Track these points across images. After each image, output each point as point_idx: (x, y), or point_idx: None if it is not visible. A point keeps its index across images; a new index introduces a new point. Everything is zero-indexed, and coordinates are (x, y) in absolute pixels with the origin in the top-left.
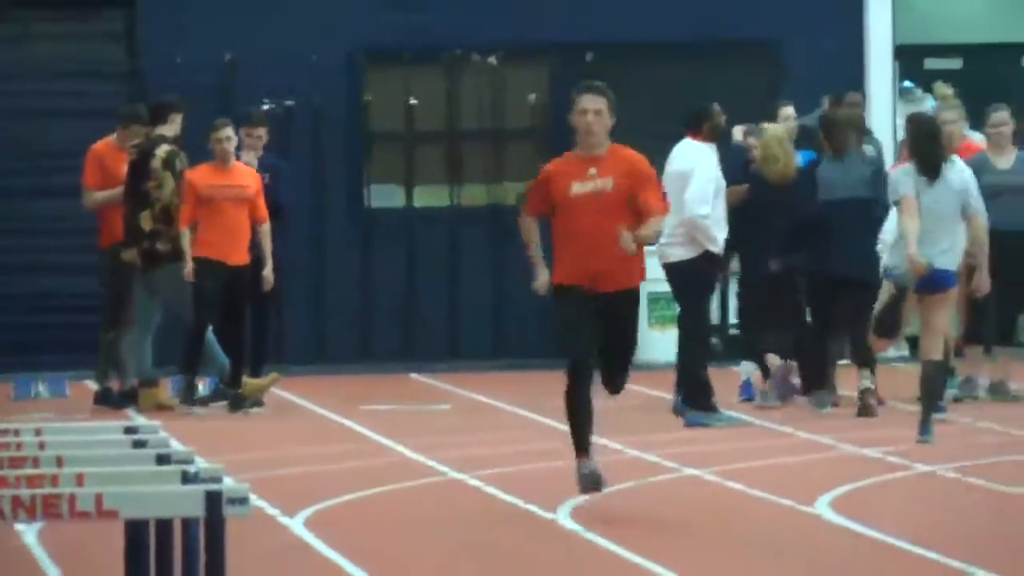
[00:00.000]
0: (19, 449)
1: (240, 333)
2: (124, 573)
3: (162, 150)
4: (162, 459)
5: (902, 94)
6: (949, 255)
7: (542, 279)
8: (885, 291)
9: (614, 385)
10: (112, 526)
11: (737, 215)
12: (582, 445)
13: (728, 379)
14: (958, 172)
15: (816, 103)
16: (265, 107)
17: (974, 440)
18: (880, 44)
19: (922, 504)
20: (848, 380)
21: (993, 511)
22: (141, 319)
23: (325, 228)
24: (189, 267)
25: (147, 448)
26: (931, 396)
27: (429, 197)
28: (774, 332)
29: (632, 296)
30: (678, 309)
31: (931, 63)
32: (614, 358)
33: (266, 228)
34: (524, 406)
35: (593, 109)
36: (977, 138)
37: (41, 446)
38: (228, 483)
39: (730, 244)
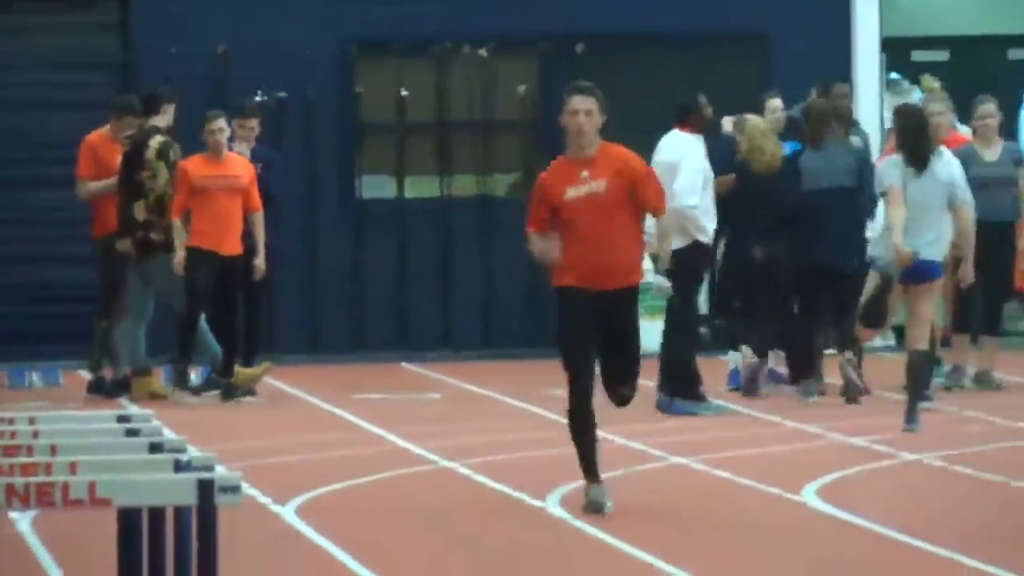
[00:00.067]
0: (13, 438)
1: (233, 322)
2: (117, 561)
3: (156, 141)
4: (155, 448)
5: (889, 86)
6: (935, 246)
7: (555, 252)
8: (871, 281)
9: (619, 395)
10: (105, 514)
11: (723, 205)
12: (590, 470)
13: (716, 368)
14: (945, 164)
15: (804, 95)
16: (257, 99)
17: (960, 429)
18: (867, 36)
19: (908, 492)
20: (835, 369)
21: (979, 499)
22: (135, 308)
23: (317, 218)
24: (179, 258)
25: (140, 437)
26: (917, 385)
27: (420, 188)
28: (756, 322)
29: (632, 293)
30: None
31: (918, 55)
32: (617, 363)
33: (259, 217)
34: (514, 395)
35: (584, 110)
36: (964, 131)
37: (35, 435)
38: (220, 471)
39: (716, 234)
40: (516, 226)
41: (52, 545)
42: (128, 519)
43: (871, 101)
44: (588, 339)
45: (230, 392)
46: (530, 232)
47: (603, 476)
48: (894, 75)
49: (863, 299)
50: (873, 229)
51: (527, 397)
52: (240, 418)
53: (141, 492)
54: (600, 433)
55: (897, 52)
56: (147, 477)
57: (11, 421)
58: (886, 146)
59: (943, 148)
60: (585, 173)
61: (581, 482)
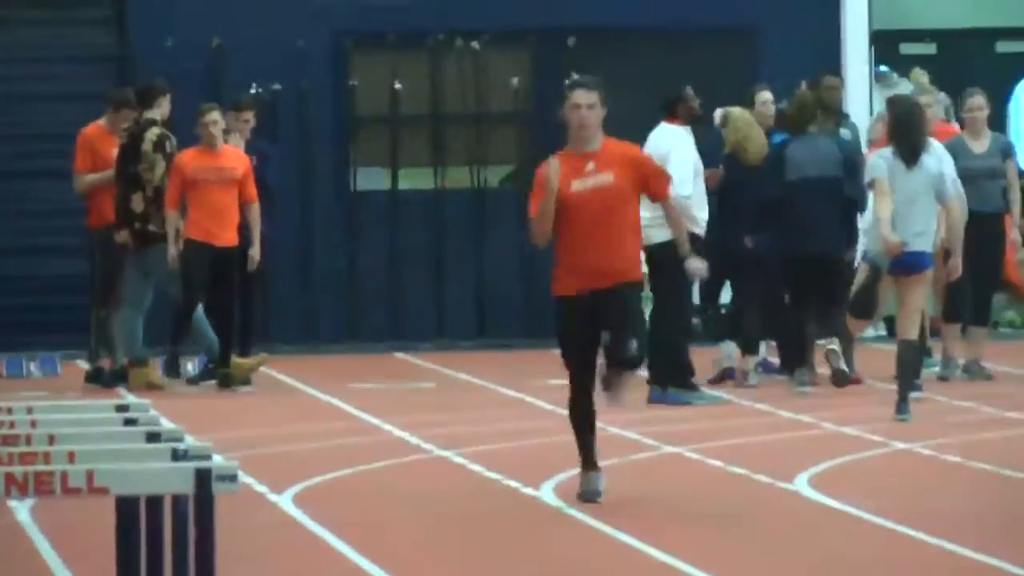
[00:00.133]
0: (12, 427)
1: (229, 313)
2: (115, 548)
3: (152, 133)
4: (152, 437)
5: (878, 79)
6: (923, 237)
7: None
8: (861, 273)
9: (622, 354)
10: (103, 503)
11: (711, 198)
12: (588, 459)
13: (708, 358)
14: (936, 158)
15: (794, 88)
16: (252, 92)
17: (950, 418)
18: (857, 30)
19: (899, 481)
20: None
21: (969, 488)
22: (133, 299)
23: (312, 210)
24: (173, 252)
25: (138, 426)
26: (908, 375)
27: (413, 180)
28: (744, 316)
29: (634, 285)
30: (651, 292)
31: (906, 48)
32: (616, 325)
33: (255, 209)
34: (508, 384)
35: (586, 103)
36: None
37: (33, 424)
38: (217, 460)
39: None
40: (509, 217)
41: (51, 533)
42: (126, 507)
43: (860, 94)
44: (588, 342)
45: (227, 382)
46: (532, 218)
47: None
48: (883, 68)
49: (853, 291)
50: (865, 221)
51: (521, 386)
52: (237, 408)
53: (139, 481)
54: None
55: (886, 45)
56: (145, 466)
57: (10, 411)
58: (871, 134)
59: (934, 142)
60: (591, 165)
61: (574, 471)
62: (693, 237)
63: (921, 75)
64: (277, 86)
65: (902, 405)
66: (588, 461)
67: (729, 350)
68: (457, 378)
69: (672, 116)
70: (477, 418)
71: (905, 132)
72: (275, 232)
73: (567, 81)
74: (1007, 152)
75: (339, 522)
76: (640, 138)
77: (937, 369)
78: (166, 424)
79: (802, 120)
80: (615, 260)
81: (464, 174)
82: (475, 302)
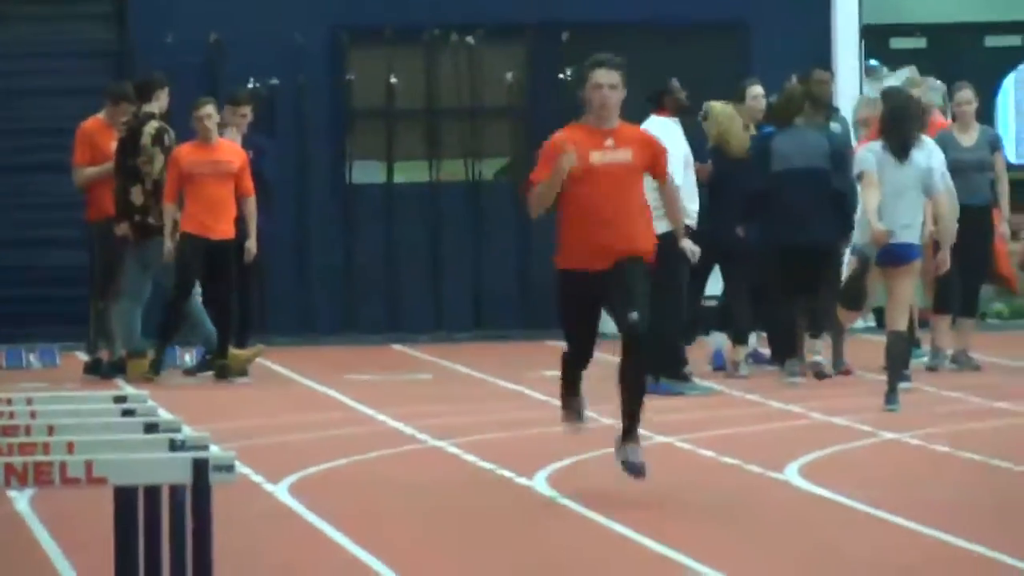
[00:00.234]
0: (11, 418)
1: (226, 305)
2: (114, 538)
3: (151, 127)
4: (150, 427)
5: (868, 73)
6: (910, 229)
7: (567, 157)
8: (851, 265)
9: (628, 325)
10: (102, 493)
11: (701, 191)
12: (571, 391)
13: (699, 349)
14: (926, 153)
15: (785, 82)
16: (250, 86)
17: (939, 409)
18: (847, 24)
19: (888, 471)
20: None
21: (957, 477)
22: (132, 291)
23: (308, 203)
24: (169, 245)
25: (136, 417)
26: (897, 366)
27: (409, 173)
28: (734, 308)
29: (638, 259)
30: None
31: (896, 42)
32: (619, 299)
33: (251, 202)
34: (503, 376)
35: (608, 83)
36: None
37: (32, 415)
38: (214, 451)
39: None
40: (504, 210)
41: (50, 523)
42: (124, 497)
43: (850, 88)
44: (589, 317)
45: (224, 373)
46: (535, 184)
47: (589, 455)
48: (873, 62)
49: (843, 282)
50: (858, 213)
51: (516, 378)
52: (234, 399)
53: (137, 471)
54: (587, 413)
55: (876, 39)
56: (143, 456)
57: (9, 402)
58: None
59: (925, 137)
60: (611, 141)
61: (568, 461)
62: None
63: (915, 76)
64: (274, 80)
65: (891, 395)
66: (569, 391)
67: (719, 341)
68: (453, 369)
69: (660, 108)
70: (472, 409)
71: (897, 127)
72: (272, 225)
73: (588, 60)
74: (995, 145)
75: (335, 512)
76: None
77: (926, 359)
78: (164, 415)
79: (789, 112)
80: (623, 238)
81: (459, 167)
82: (471, 294)
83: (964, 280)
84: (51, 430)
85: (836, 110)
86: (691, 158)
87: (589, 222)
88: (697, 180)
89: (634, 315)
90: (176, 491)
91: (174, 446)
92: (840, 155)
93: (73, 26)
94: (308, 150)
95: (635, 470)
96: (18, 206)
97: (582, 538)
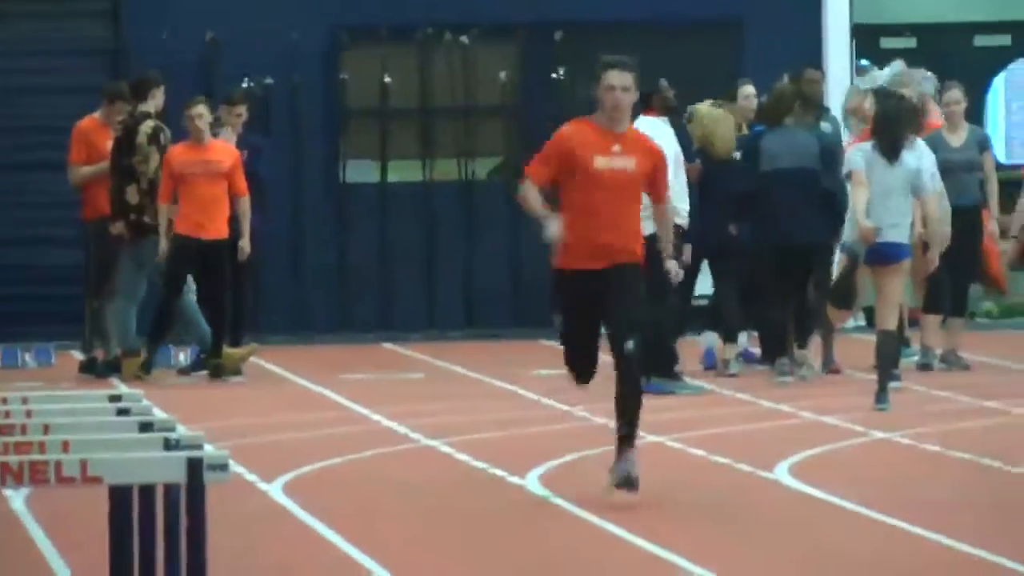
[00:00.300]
0: (7, 417)
1: (220, 304)
2: (108, 537)
3: (147, 126)
4: (145, 427)
5: (859, 72)
6: (898, 228)
7: (555, 225)
8: (840, 263)
9: (624, 351)
10: (97, 491)
11: (692, 189)
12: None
13: (690, 348)
14: (916, 153)
15: (777, 81)
16: (244, 85)
17: (928, 408)
18: (837, 24)
19: (878, 470)
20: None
21: (947, 477)
22: (127, 290)
23: (303, 203)
24: (163, 245)
25: (130, 416)
26: (887, 365)
27: (403, 172)
28: (724, 307)
29: (635, 267)
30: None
31: (886, 42)
32: (615, 322)
33: (245, 201)
34: (496, 375)
35: (621, 85)
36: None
37: (28, 414)
38: (209, 450)
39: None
40: (497, 209)
41: (45, 522)
42: (119, 496)
43: (841, 87)
44: (590, 337)
45: (218, 372)
46: (528, 180)
47: (580, 455)
48: (864, 62)
49: (833, 281)
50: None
51: (508, 377)
52: (228, 397)
53: (132, 470)
54: (577, 411)
55: (866, 39)
56: (137, 455)
57: (5, 400)
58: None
59: (918, 140)
60: (617, 147)
61: (560, 460)
62: (675, 228)
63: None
64: (269, 80)
65: (881, 395)
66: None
67: (711, 340)
68: (446, 369)
69: (649, 108)
70: (465, 408)
71: (888, 128)
72: (266, 224)
73: (601, 61)
74: (984, 144)
75: (328, 511)
76: None
77: (916, 358)
78: (158, 414)
79: (779, 112)
80: (620, 241)
81: (452, 166)
82: (464, 293)
83: (953, 280)
84: (46, 429)
85: (827, 110)
86: (681, 157)
87: (588, 224)
88: (688, 179)
89: (630, 344)
90: (171, 490)
91: (168, 445)
92: (830, 154)
93: (68, 24)
94: (302, 149)
95: (629, 484)
96: (14, 204)
97: (575, 537)
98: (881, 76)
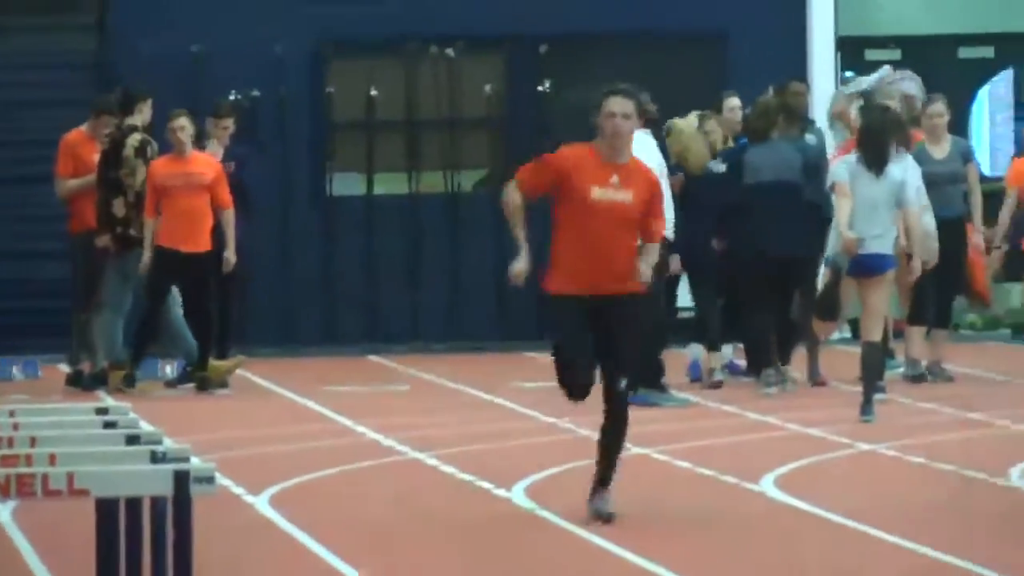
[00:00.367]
0: None
1: (206, 317)
2: (96, 549)
3: (134, 139)
4: (132, 439)
5: (843, 83)
6: (881, 240)
7: (521, 266)
8: (825, 276)
9: (616, 390)
10: (84, 504)
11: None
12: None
13: (674, 360)
14: (901, 166)
15: (762, 94)
16: (231, 98)
17: (913, 420)
18: (823, 36)
19: (864, 482)
20: (793, 361)
21: (932, 488)
22: (113, 302)
23: (289, 215)
24: (146, 256)
25: (117, 429)
26: (872, 377)
27: (389, 184)
28: (708, 316)
29: (634, 299)
30: None
31: (871, 54)
32: (613, 356)
33: (229, 214)
34: (481, 387)
35: (622, 113)
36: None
37: (15, 427)
38: (195, 463)
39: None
40: (483, 221)
41: (32, 534)
42: (106, 509)
43: (826, 99)
44: (587, 354)
45: (204, 385)
46: (514, 185)
47: (566, 467)
48: (848, 74)
49: (818, 294)
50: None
51: (493, 389)
52: (214, 410)
53: (118, 483)
54: (563, 423)
55: (851, 51)
56: (124, 468)
57: None
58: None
59: (906, 153)
60: (616, 178)
61: (547, 472)
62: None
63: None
64: (256, 92)
65: (866, 407)
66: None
67: (696, 352)
68: (431, 381)
69: None
70: (450, 420)
71: (872, 140)
72: (253, 237)
73: (604, 88)
74: (967, 156)
75: (315, 523)
76: None
77: (902, 370)
78: (145, 427)
79: (763, 126)
80: (615, 276)
81: (438, 179)
82: (449, 305)
83: (938, 292)
84: (33, 442)
85: (812, 122)
86: (665, 169)
87: (581, 254)
88: (672, 191)
89: (622, 384)
90: (157, 502)
91: (155, 458)
92: (814, 167)
93: (54, 37)
94: (289, 162)
95: (604, 518)
96: (0, 218)
97: (561, 550)
98: (866, 80)
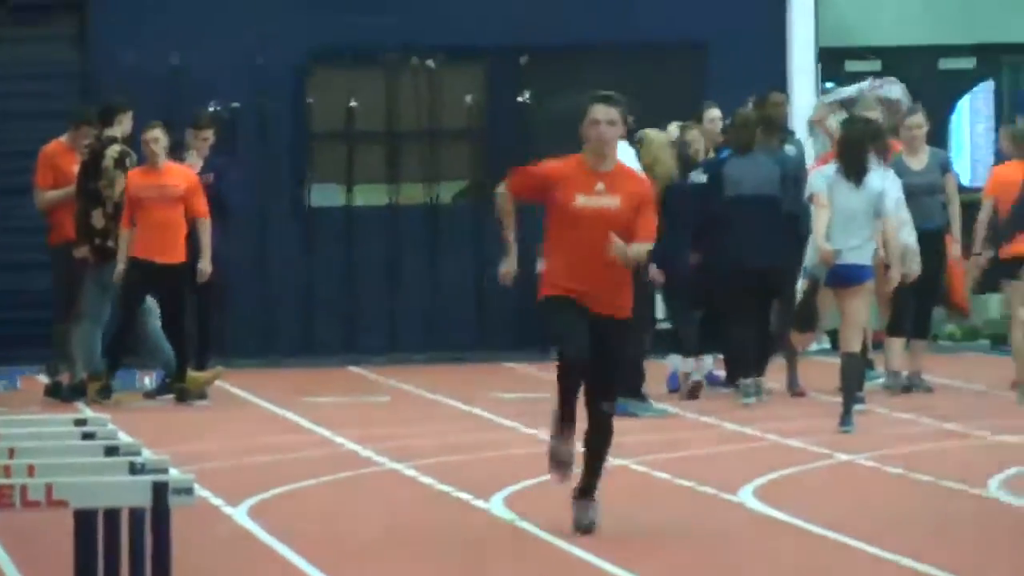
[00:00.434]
0: None
1: (181, 328)
2: (74, 560)
3: (113, 150)
4: (110, 451)
5: (824, 95)
6: (859, 251)
7: (509, 267)
8: (802, 287)
9: (599, 411)
10: (62, 515)
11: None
12: (568, 418)
13: (655, 370)
14: (878, 176)
15: (742, 104)
16: (211, 109)
17: (892, 430)
18: (803, 47)
19: (842, 492)
20: (772, 372)
21: (910, 499)
22: (92, 314)
23: (268, 226)
24: (120, 267)
25: (96, 440)
26: (851, 387)
27: (368, 196)
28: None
29: (624, 325)
30: None
31: (851, 65)
32: (600, 376)
33: (204, 223)
34: (460, 398)
35: (606, 120)
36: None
37: None
38: (174, 474)
39: None
40: (462, 232)
41: (10, 545)
42: (84, 520)
43: (807, 111)
44: (583, 325)
45: (183, 396)
46: (505, 185)
47: (545, 478)
48: (829, 85)
49: (796, 305)
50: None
51: (472, 400)
52: (193, 421)
53: (97, 494)
54: (545, 435)
55: (831, 62)
56: (103, 479)
57: None
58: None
59: (888, 169)
60: (600, 185)
61: (525, 483)
62: None
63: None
64: (236, 104)
65: (846, 417)
66: (566, 422)
67: (676, 363)
68: (410, 392)
69: None
70: (430, 431)
71: (852, 151)
72: (232, 248)
73: (589, 95)
74: (945, 167)
75: (293, 534)
76: None
77: (881, 381)
78: (124, 438)
79: (744, 139)
80: (605, 287)
81: (418, 190)
82: (428, 316)
83: (917, 302)
84: (12, 453)
85: (791, 133)
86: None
87: (571, 262)
88: None
89: (606, 405)
90: (136, 514)
91: (134, 469)
92: (793, 178)
93: (35, 48)
94: (268, 173)
95: (584, 528)
96: None
97: (540, 560)
98: (846, 91)
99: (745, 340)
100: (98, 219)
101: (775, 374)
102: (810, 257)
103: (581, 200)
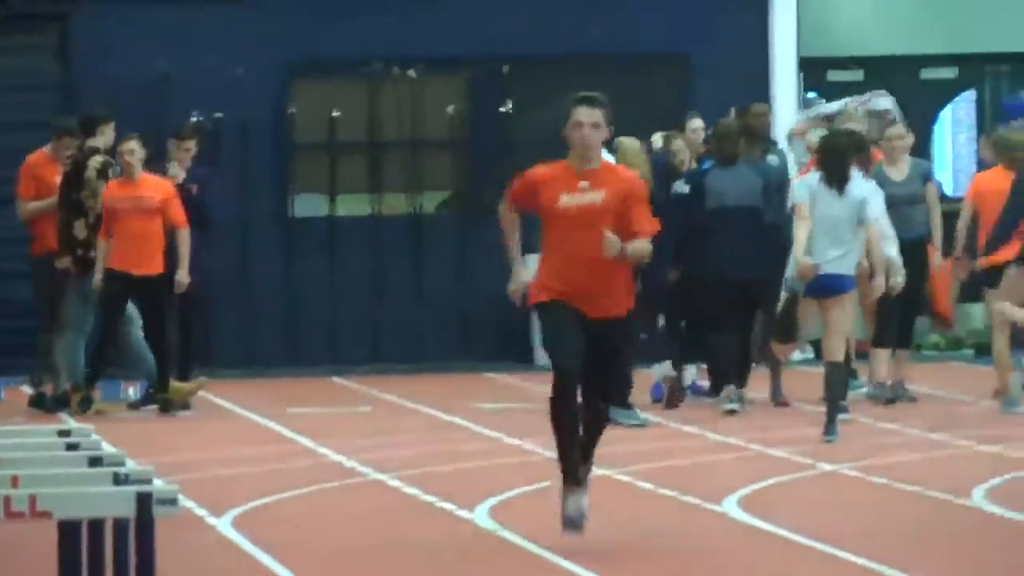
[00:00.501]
0: None
1: (162, 339)
2: (58, 572)
3: (95, 161)
4: (94, 461)
5: (806, 105)
6: (841, 261)
7: (519, 280)
8: (783, 299)
9: (595, 408)
10: (46, 526)
11: None
12: (570, 471)
13: (639, 380)
14: (859, 186)
15: (724, 114)
16: (194, 119)
17: (876, 440)
18: (785, 56)
19: (826, 502)
20: (756, 381)
21: (895, 509)
22: (75, 324)
23: (251, 236)
24: (97, 278)
25: (80, 451)
26: (835, 397)
27: (351, 206)
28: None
29: (619, 324)
30: None
31: (834, 75)
32: (595, 375)
33: (183, 234)
34: (443, 408)
35: (589, 122)
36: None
37: None
38: (158, 484)
39: None
40: (445, 243)
41: None
42: (68, 531)
43: (789, 121)
44: (576, 333)
45: (167, 406)
46: (506, 208)
47: (530, 487)
48: (811, 94)
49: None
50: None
51: (455, 410)
52: (177, 432)
53: (81, 505)
54: (528, 445)
55: (813, 72)
56: (87, 490)
57: None
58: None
59: (869, 181)
60: (584, 183)
61: (509, 493)
62: None
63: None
64: (218, 114)
65: (829, 427)
66: (569, 473)
67: (659, 372)
68: (393, 402)
69: None
70: (413, 441)
71: (833, 160)
72: (215, 258)
73: (571, 97)
74: (926, 176)
75: (278, 545)
76: None
77: (864, 390)
78: (107, 449)
79: (726, 150)
80: (598, 287)
81: (401, 200)
82: (411, 326)
83: (901, 312)
84: None
85: (774, 143)
86: None
87: (561, 263)
88: None
89: (602, 405)
90: (120, 524)
91: (118, 480)
92: (776, 188)
93: (17, 59)
94: (251, 183)
95: (574, 525)
96: None
97: (524, 571)
98: (832, 106)
99: (728, 350)
100: (80, 230)
101: (759, 384)
102: (789, 268)
103: (565, 199)
